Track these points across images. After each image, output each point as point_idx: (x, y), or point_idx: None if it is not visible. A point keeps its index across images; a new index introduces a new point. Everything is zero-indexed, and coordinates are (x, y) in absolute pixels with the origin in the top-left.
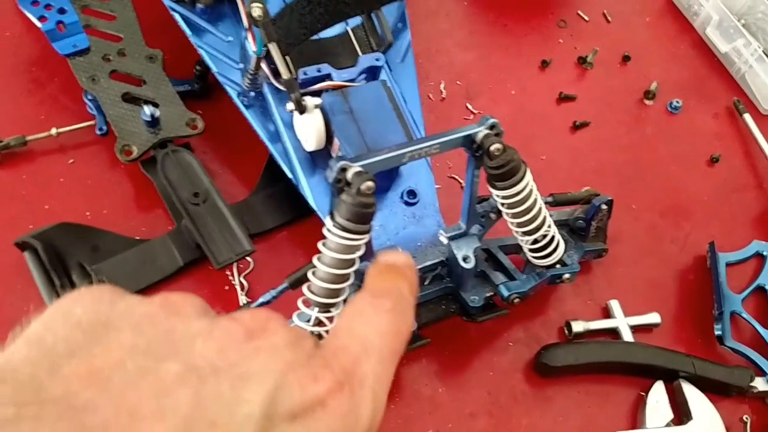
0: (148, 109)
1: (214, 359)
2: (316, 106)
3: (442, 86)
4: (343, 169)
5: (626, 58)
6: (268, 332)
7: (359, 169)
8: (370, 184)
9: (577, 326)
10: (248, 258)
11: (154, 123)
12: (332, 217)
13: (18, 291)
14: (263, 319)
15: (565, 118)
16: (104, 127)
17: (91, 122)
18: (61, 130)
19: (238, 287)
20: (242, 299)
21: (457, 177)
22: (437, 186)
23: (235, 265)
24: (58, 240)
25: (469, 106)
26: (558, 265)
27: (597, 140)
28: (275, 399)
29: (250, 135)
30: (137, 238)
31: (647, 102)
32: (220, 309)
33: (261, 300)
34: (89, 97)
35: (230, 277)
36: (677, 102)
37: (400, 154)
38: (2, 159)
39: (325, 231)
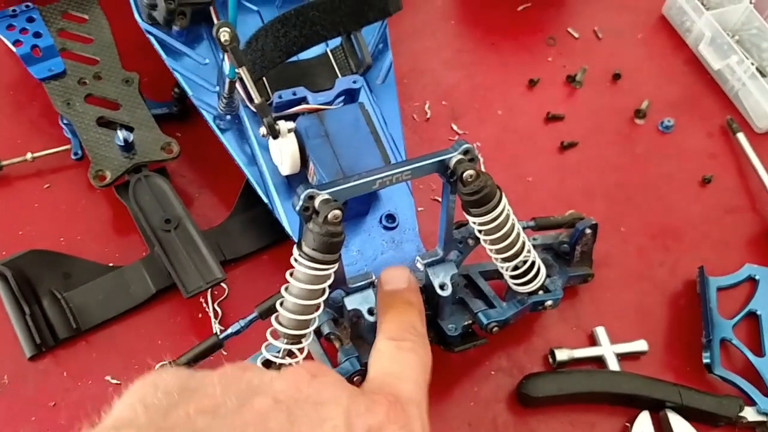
0: (121, 134)
1: (292, 393)
2: (290, 131)
3: (426, 106)
4: (311, 197)
5: (617, 76)
6: (327, 373)
7: (326, 196)
8: (337, 213)
9: (562, 354)
10: (223, 284)
11: (128, 147)
12: (299, 247)
13: None
14: (318, 364)
15: (552, 138)
16: (79, 152)
17: (67, 146)
18: (37, 154)
19: (211, 314)
20: (216, 327)
21: (440, 200)
22: (420, 209)
23: (209, 292)
24: (29, 267)
25: (455, 127)
26: (540, 292)
27: (585, 161)
28: (352, 419)
29: (229, 158)
30: (110, 264)
31: (638, 121)
32: (193, 337)
33: (230, 330)
34: (65, 121)
35: (204, 305)
36: (669, 121)
37: (370, 181)
38: None
39: (292, 261)
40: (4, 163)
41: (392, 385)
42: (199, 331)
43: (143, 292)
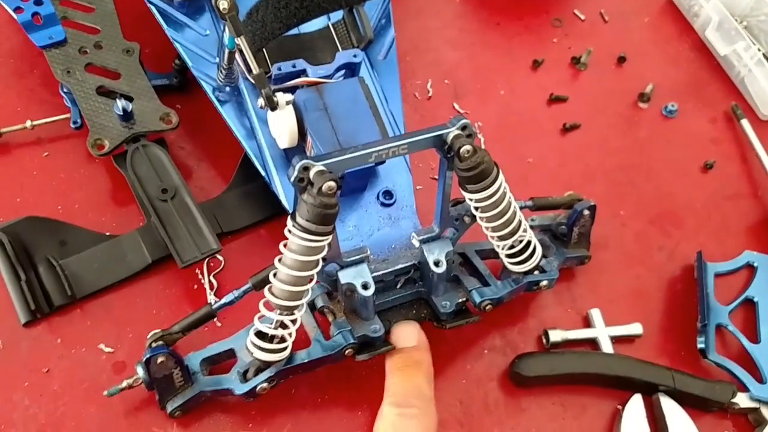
0: (120, 103)
1: None
2: (288, 103)
3: (429, 85)
4: (306, 168)
5: (622, 59)
6: None
7: (321, 168)
8: (331, 184)
9: (555, 335)
10: (219, 257)
11: (127, 117)
12: (293, 218)
13: None
14: None
15: (555, 119)
16: (78, 121)
17: (66, 115)
18: (36, 122)
19: (207, 286)
20: (211, 298)
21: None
22: (419, 187)
23: (205, 264)
24: (26, 234)
25: (456, 106)
26: (536, 272)
27: (587, 143)
28: None
29: (228, 131)
30: (107, 233)
31: (642, 105)
32: (188, 308)
33: (223, 301)
34: (65, 90)
35: (200, 276)
36: (673, 105)
37: (366, 154)
38: None
39: (286, 232)
40: (4, 130)
41: None
42: (194, 302)
43: (139, 261)
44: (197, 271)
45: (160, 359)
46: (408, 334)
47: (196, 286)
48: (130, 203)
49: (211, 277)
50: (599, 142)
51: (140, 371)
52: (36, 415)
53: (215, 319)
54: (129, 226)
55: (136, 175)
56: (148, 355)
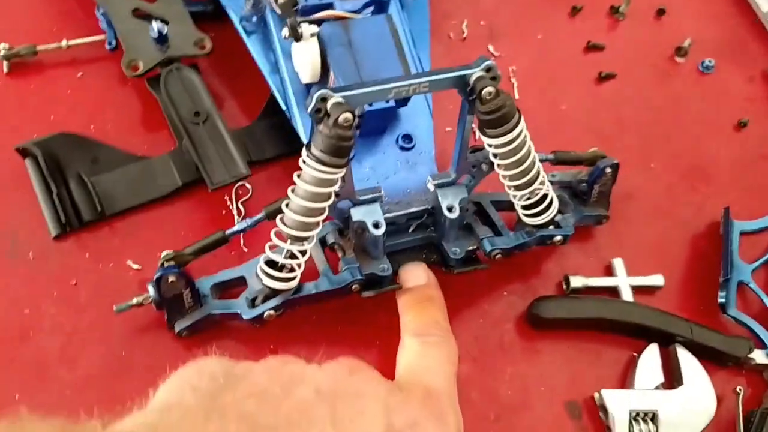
0: (156, 25)
1: (333, 386)
2: (312, 35)
3: (464, 25)
4: (324, 99)
5: (661, 12)
6: (364, 368)
7: (339, 99)
8: (347, 116)
9: (576, 281)
10: (247, 185)
11: (162, 40)
12: (308, 148)
13: (17, 197)
14: (356, 361)
15: (590, 68)
16: (113, 42)
17: (102, 37)
18: (72, 42)
19: (234, 212)
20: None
21: None
22: (448, 129)
23: (233, 190)
24: (59, 149)
25: (491, 48)
26: (551, 227)
27: (621, 94)
28: (390, 412)
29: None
30: (138, 155)
31: (678, 59)
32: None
33: (236, 228)
34: (101, 11)
35: (228, 202)
36: (710, 61)
37: (386, 89)
38: (12, 67)
39: (300, 162)
40: (40, 48)
41: (423, 379)
42: (221, 227)
43: (169, 183)
44: (225, 197)
45: (170, 278)
46: (417, 273)
47: (224, 212)
48: (161, 128)
49: (239, 204)
50: (633, 93)
51: (151, 290)
52: (62, 324)
53: (242, 245)
54: (160, 150)
55: (169, 98)
56: (158, 274)
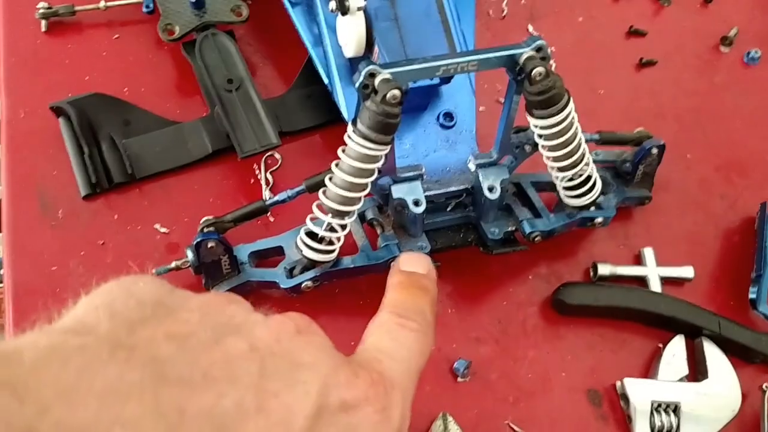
0: None
1: (271, 344)
2: (359, 8)
3: (504, 3)
4: (372, 75)
5: None
6: (314, 332)
7: (388, 76)
8: (395, 92)
9: (604, 269)
10: (276, 155)
11: (199, 5)
12: (354, 124)
13: (49, 155)
14: (308, 322)
15: (631, 53)
16: (151, 5)
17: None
18: (110, 3)
19: (263, 182)
20: (266, 194)
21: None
22: (481, 109)
23: (262, 160)
24: (92, 109)
25: (530, 28)
26: (592, 208)
27: (661, 81)
28: (327, 389)
29: (295, 32)
30: (170, 119)
31: (723, 49)
32: (243, 200)
33: (276, 198)
34: None
35: (257, 171)
36: (756, 52)
37: (434, 66)
38: (50, 26)
39: (346, 137)
40: (78, 8)
41: (382, 362)
42: (249, 196)
43: (200, 149)
44: (254, 166)
45: (210, 244)
46: (419, 261)
47: (252, 181)
48: (194, 93)
49: (268, 174)
50: (674, 81)
51: (190, 254)
52: (88, 283)
53: (268, 215)
54: (192, 116)
55: (204, 63)
56: (198, 239)
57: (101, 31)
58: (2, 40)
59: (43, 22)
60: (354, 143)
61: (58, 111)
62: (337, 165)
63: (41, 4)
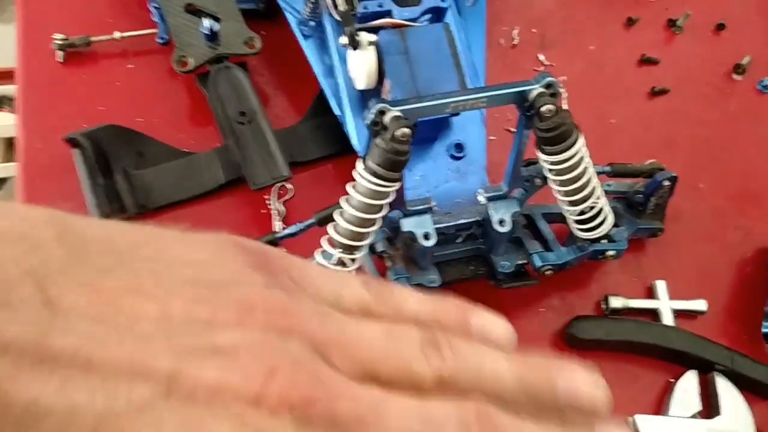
0: (207, 22)
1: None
2: (371, 43)
3: (515, 32)
4: (382, 112)
5: (720, 27)
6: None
7: (398, 113)
8: (405, 131)
9: (616, 302)
10: (288, 185)
11: (212, 37)
12: (363, 161)
13: (64, 186)
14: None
15: (643, 82)
16: (165, 36)
17: (154, 30)
18: (125, 34)
19: (274, 212)
20: (277, 225)
21: (514, 131)
22: (492, 138)
23: (274, 190)
24: (106, 141)
25: (541, 57)
26: (604, 240)
27: (674, 110)
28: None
29: (307, 63)
30: (184, 150)
31: (736, 77)
32: (255, 232)
33: (287, 231)
34: (154, 5)
35: (268, 202)
36: None
37: (444, 103)
38: (67, 57)
39: (355, 174)
40: (93, 39)
41: None
42: (261, 227)
43: (213, 180)
44: (266, 197)
45: None
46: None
47: (263, 211)
48: (208, 124)
49: (280, 204)
50: (686, 110)
51: None
52: None
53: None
54: (206, 146)
55: (217, 96)
56: None
57: (116, 61)
58: (20, 72)
59: (60, 53)
60: (363, 180)
61: (72, 142)
62: (346, 200)
63: (57, 35)
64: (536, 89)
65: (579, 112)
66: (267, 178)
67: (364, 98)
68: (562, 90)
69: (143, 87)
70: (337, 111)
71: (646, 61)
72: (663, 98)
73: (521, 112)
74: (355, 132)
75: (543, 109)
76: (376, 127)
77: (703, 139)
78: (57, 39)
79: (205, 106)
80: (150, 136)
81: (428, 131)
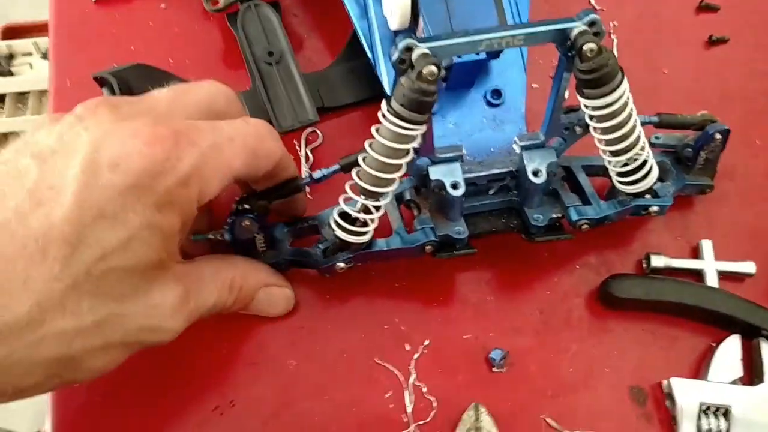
0: None
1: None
2: None
3: None
4: (409, 49)
5: None
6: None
7: (426, 51)
8: (432, 69)
9: (657, 260)
10: (318, 131)
11: None
12: (388, 102)
13: None
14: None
15: (701, 30)
16: None
17: None
18: None
19: (302, 158)
20: (305, 170)
21: None
22: (534, 86)
23: (303, 136)
24: (134, 80)
25: (592, 1)
26: (648, 195)
27: (732, 61)
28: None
29: (342, 5)
30: None
31: None
32: None
33: (313, 176)
34: None
35: (297, 148)
36: None
37: (476, 41)
38: None
39: (379, 115)
40: None
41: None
42: None
43: None
44: (295, 141)
45: (244, 222)
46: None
47: (292, 157)
48: (239, 66)
49: (308, 150)
50: (745, 61)
51: (225, 234)
52: None
53: (307, 192)
54: (235, 89)
55: (245, 35)
56: (231, 219)
57: (148, 2)
58: (53, 12)
59: None
60: (387, 122)
61: (101, 81)
62: (370, 144)
63: None
64: (578, 27)
65: (629, 59)
66: (294, 122)
67: (395, 40)
68: (612, 36)
69: (175, 27)
70: (369, 53)
71: (704, 8)
72: (720, 48)
73: (562, 53)
74: (387, 76)
75: (585, 48)
76: (402, 65)
77: (762, 92)
78: None
79: (236, 49)
80: (179, 76)
81: (464, 75)
